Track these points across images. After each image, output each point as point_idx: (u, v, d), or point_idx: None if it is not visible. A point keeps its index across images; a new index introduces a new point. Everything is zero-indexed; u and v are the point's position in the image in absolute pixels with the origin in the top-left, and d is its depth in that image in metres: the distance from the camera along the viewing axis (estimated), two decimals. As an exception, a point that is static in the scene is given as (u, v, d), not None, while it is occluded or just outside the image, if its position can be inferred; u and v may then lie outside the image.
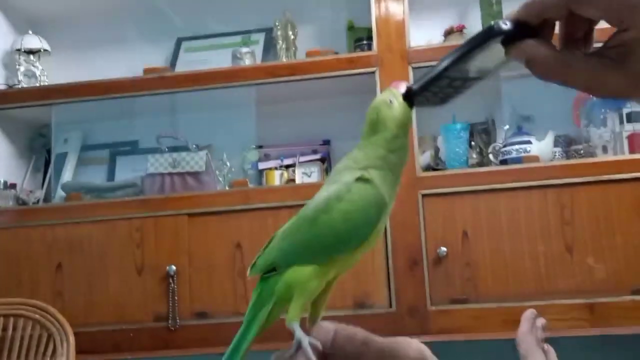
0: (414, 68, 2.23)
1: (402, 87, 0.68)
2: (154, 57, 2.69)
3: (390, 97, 0.67)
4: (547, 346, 1.34)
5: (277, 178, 2.39)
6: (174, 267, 2.19)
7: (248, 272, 0.68)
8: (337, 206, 0.64)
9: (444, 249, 2.09)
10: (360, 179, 0.64)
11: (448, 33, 2.39)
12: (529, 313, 1.38)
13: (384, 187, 0.64)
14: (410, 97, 0.67)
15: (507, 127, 2.31)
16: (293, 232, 0.66)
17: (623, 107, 2.20)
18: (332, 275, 0.65)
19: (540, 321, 1.38)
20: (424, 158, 2.36)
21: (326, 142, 2.57)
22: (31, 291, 2.23)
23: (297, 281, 0.63)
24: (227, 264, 2.17)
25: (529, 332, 1.33)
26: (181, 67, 2.62)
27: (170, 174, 2.36)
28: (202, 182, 2.37)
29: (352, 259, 0.65)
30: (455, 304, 2.08)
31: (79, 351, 1.99)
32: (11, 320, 2.03)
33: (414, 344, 0.58)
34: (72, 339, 1.96)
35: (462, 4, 2.57)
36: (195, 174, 2.37)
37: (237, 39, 2.67)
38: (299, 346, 0.58)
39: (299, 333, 0.59)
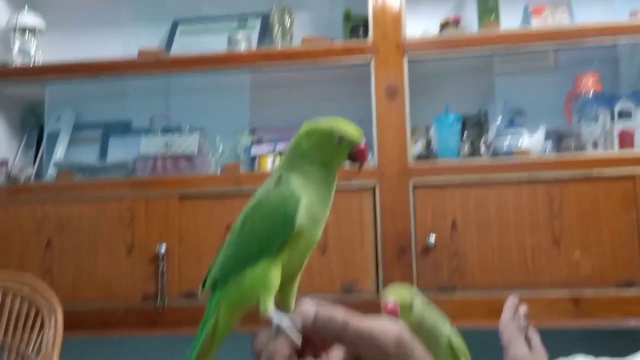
0: (409, 59, 2.24)
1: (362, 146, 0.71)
2: (150, 39, 2.68)
3: (344, 140, 0.69)
4: (531, 330, 1.35)
5: (269, 163, 2.40)
6: (163, 248, 2.20)
7: (199, 290, 0.72)
8: (258, 211, 0.68)
9: (432, 238, 2.11)
10: (277, 183, 0.69)
11: (444, 25, 2.40)
12: (511, 301, 1.39)
13: (302, 189, 0.67)
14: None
15: (499, 120, 2.32)
16: (226, 245, 0.71)
17: (615, 104, 2.22)
18: (286, 261, 0.67)
19: (522, 309, 1.39)
20: (416, 148, 2.38)
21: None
22: (20, 267, 2.23)
23: (256, 280, 0.65)
24: (217, 246, 2.16)
25: (511, 320, 1.35)
26: (176, 50, 2.61)
27: (162, 155, 2.36)
28: (194, 165, 2.37)
29: (298, 252, 0.67)
30: (441, 292, 2.10)
31: (67, 328, 1.99)
32: (-1, 294, 2.03)
33: (393, 326, 0.59)
34: (60, 314, 1.96)
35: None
36: (187, 157, 2.37)
37: (234, 23, 2.67)
38: (279, 330, 0.59)
39: (277, 317, 0.60)
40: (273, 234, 0.66)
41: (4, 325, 1.99)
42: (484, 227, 2.11)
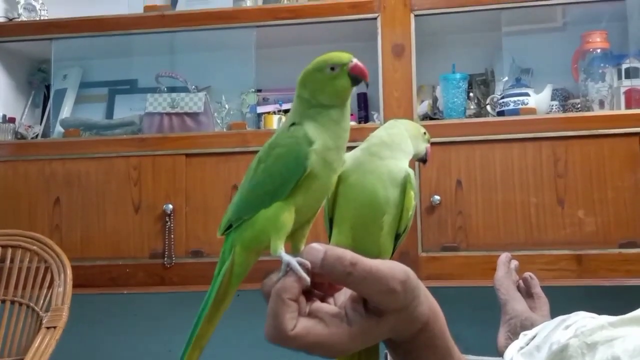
0: (416, 15, 2.23)
1: (355, 62, 0.69)
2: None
3: (336, 65, 0.68)
4: (533, 279, 1.37)
5: (275, 122, 2.40)
6: (170, 206, 2.22)
7: (217, 233, 0.72)
8: (272, 153, 0.68)
9: (437, 197, 2.12)
10: (292, 125, 0.68)
11: (452, -19, 2.37)
12: (503, 257, 1.40)
13: (316, 134, 0.67)
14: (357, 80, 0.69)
15: (505, 79, 2.31)
16: (241, 186, 0.71)
17: (622, 63, 2.21)
18: (300, 205, 0.67)
19: (514, 263, 1.41)
20: (422, 107, 2.37)
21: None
22: (29, 224, 2.25)
23: (268, 221, 0.66)
24: (223, 204, 2.20)
25: (506, 276, 1.37)
26: (182, 6, 2.59)
27: (168, 113, 2.37)
28: (200, 123, 2.38)
29: (311, 196, 0.68)
30: (445, 251, 2.12)
31: (76, 285, 2.03)
32: (9, 251, 2.06)
33: (400, 266, 0.60)
34: (69, 270, 2.00)
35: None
36: (193, 115, 2.37)
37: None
38: (288, 268, 0.59)
39: (286, 256, 0.61)
40: (285, 175, 0.66)
41: (14, 281, 2.03)
42: (488, 186, 2.12)
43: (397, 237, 0.86)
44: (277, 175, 0.67)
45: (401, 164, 0.84)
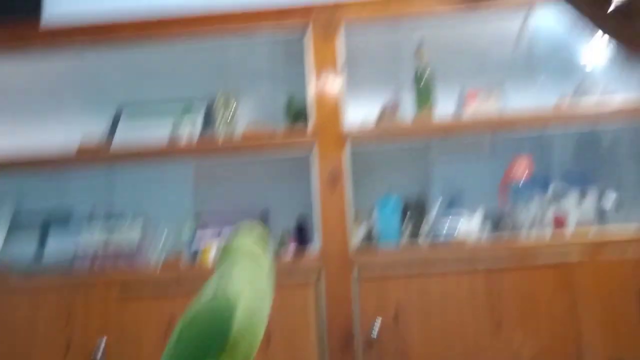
0: (351, 145, 2.28)
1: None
2: (94, 124, 2.66)
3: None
4: None
5: (211, 256, 2.36)
6: (103, 345, 2.15)
7: None
8: (189, 333, 0.67)
9: (375, 331, 2.11)
10: (216, 285, 0.68)
11: (382, 114, 2.44)
12: None
13: (244, 284, 0.67)
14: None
15: (438, 204, 2.35)
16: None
17: (548, 186, 2.27)
18: None
19: None
20: (359, 232, 2.38)
21: (264, 213, 2.56)
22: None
23: None
24: (158, 342, 2.13)
25: None
26: (121, 134, 2.59)
27: (103, 246, 2.33)
28: (136, 255, 2.35)
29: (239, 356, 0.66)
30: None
31: None
32: None
33: None
34: None
35: (398, 80, 2.62)
36: (130, 246, 2.34)
37: (180, 105, 2.64)
38: None
39: None
40: (204, 351, 0.64)
41: None
42: (426, 317, 2.12)
43: None
44: (196, 352, 0.65)
45: None
